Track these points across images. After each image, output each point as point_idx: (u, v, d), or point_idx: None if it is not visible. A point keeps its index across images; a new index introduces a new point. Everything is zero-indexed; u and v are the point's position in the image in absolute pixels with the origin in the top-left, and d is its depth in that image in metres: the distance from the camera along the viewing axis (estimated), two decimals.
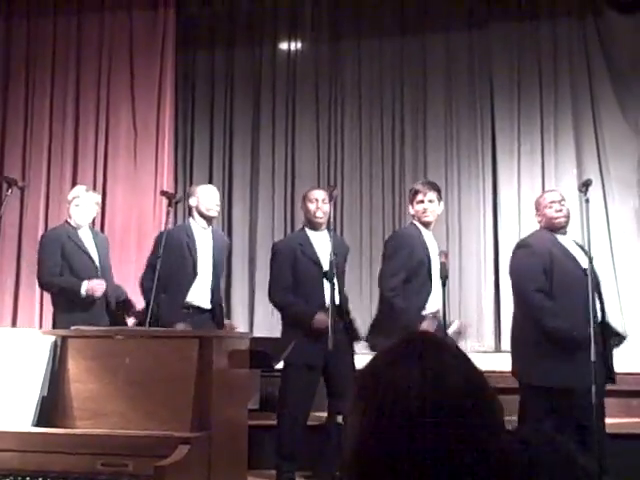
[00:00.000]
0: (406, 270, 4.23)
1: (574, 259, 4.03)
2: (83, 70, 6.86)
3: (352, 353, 4.44)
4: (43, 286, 4.84)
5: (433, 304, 4.27)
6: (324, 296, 4.34)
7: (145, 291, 4.40)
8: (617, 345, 4.08)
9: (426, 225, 4.43)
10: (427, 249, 4.34)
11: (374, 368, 1.19)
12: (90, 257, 4.67)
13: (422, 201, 4.40)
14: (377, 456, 1.12)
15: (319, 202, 4.52)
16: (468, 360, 1.19)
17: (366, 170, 7.08)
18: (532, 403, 3.97)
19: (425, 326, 4.05)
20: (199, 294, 4.55)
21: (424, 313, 4.24)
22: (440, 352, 1.19)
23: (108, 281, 4.65)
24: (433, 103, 7.03)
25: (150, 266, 4.37)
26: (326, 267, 4.38)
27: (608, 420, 3.95)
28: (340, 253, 4.53)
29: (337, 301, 4.33)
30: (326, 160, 7.17)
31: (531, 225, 6.57)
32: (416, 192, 4.44)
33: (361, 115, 7.14)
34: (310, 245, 4.49)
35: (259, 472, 3.96)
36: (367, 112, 7.12)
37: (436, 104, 7.02)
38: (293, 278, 4.44)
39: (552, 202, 4.17)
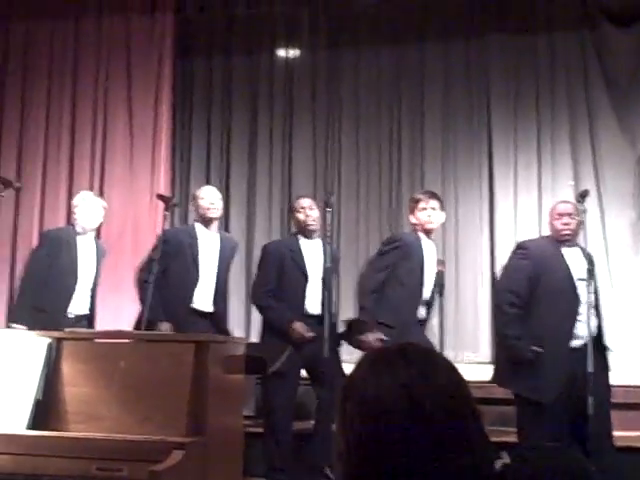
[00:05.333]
0: (392, 273, 4.23)
1: (567, 269, 4.01)
2: (80, 73, 6.83)
3: (339, 359, 4.38)
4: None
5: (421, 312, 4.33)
6: (304, 305, 4.35)
7: (143, 283, 4.32)
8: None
9: (427, 233, 4.44)
10: (422, 257, 4.34)
11: (360, 373, 1.19)
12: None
13: (425, 209, 4.42)
14: (376, 459, 1.12)
15: (306, 210, 4.52)
16: (453, 366, 1.21)
17: (363, 179, 7.05)
18: (519, 411, 3.96)
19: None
20: (201, 297, 4.54)
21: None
22: (424, 355, 1.21)
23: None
24: (430, 114, 7.00)
25: (150, 260, 4.34)
26: (313, 276, 4.38)
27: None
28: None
29: (319, 310, 4.30)
30: (323, 167, 7.14)
31: (527, 237, 6.60)
32: (417, 200, 4.47)
33: (358, 123, 7.11)
34: (300, 252, 4.46)
35: (254, 479, 3.92)
36: (364, 120, 7.09)
37: (433, 115, 7.00)
38: (278, 282, 4.41)
39: (560, 214, 4.17)
